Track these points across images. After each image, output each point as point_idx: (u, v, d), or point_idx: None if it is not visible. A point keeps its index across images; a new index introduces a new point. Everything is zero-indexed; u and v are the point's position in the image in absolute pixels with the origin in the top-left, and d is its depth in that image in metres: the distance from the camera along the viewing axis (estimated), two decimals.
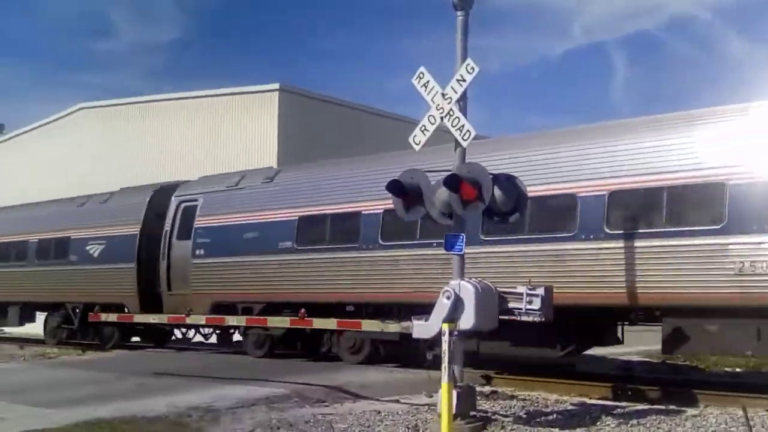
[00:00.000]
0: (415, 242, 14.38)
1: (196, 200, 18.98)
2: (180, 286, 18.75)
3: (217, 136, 30.10)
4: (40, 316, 24.71)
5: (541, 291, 9.81)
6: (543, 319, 9.94)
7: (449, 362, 8.40)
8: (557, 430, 9.24)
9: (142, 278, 19.82)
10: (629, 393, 12.24)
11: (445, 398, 8.11)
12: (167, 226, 19.23)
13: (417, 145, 10.06)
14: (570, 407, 10.89)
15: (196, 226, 18.53)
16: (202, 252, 18.22)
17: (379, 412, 10.31)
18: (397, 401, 11.34)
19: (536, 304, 9.77)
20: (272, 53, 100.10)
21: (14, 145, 40.21)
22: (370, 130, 28.80)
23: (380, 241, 15.01)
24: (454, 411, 8.74)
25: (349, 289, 15.52)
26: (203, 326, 19.06)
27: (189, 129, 31.21)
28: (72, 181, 30.92)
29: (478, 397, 10.46)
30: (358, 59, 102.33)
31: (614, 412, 10.27)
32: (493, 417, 9.87)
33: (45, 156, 36.81)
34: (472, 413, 9.48)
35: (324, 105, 29.81)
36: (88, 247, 21.41)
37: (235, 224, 17.75)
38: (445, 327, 8.56)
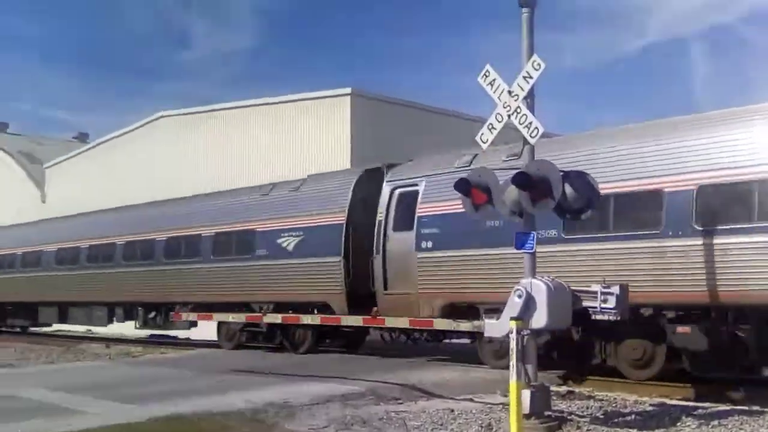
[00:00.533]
0: (751, 226, 11.45)
1: (416, 185, 16.45)
2: (400, 284, 16.33)
3: (292, 141, 30.54)
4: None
5: (616, 289, 9.64)
6: (618, 318, 9.79)
7: (519, 361, 8.32)
8: (635, 430, 9.10)
9: (350, 274, 17.53)
10: (712, 394, 11.90)
11: (513, 397, 8.05)
12: (380, 216, 16.84)
13: (484, 143, 10.07)
14: (649, 408, 10.67)
15: (420, 214, 15.99)
16: (429, 245, 15.69)
17: (453, 411, 10.33)
18: (471, 400, 11.31)
19: (611, 302, 9.62)
20: (344, 56, 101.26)
21: (98, 153, 41.67)
22: (443, 131, 28.65)
23: (693, 225, 12.06)
24: (528, 410, 8.70)
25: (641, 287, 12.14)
26: (454, 332, 15.80)
27: (263, 134, 31.76)
28: (155, 187, 31.91)
29: (555, 397, 10.36)
30: (429, 58, 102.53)
31: (695, 413, 10.04)
32: (569, 417, 9.76)
33: (128, 163, 38.08)
34: (547, 413, 9.39)
35: (395, 107, 29.87)
36: (279, 240, 19.07)
37: None
38: (513, 324, 8.47)
